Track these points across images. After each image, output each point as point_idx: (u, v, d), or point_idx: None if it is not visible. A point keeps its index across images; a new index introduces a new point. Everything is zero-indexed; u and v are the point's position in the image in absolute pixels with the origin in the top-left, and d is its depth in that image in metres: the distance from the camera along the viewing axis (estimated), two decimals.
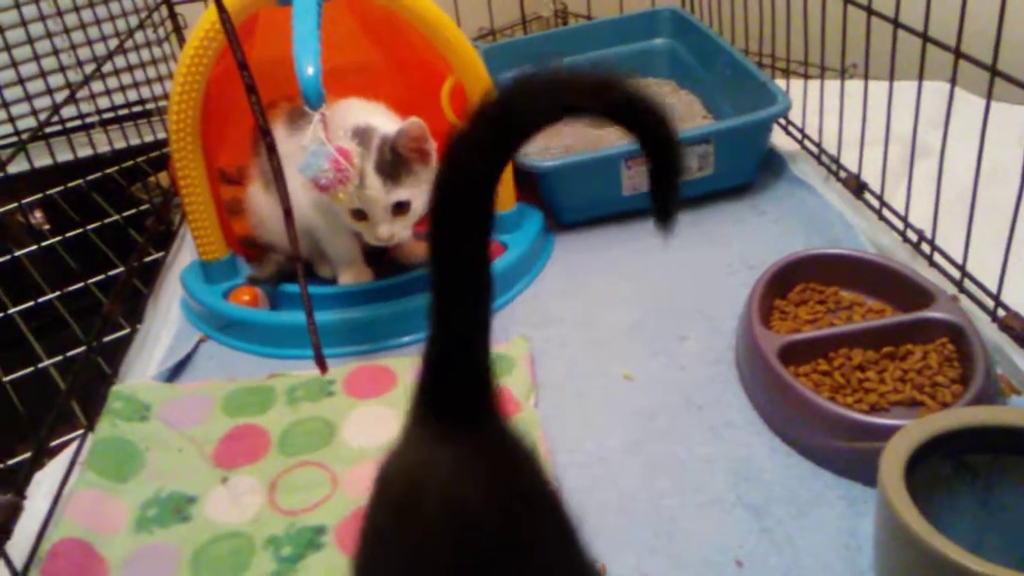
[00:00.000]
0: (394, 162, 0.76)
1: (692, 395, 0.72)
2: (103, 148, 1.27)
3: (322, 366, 0.76)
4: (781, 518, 0.60)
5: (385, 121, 0.80)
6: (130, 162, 1.30)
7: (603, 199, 0.95)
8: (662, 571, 0.58)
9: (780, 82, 1.00)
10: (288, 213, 0.71)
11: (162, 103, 1.29)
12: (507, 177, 0.90)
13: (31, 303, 1.05)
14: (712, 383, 0.73)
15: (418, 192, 0.77)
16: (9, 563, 0.60)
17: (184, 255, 1.04)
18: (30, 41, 1.09)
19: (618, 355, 0.77)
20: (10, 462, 0.77)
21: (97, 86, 1.23)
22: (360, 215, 0.77)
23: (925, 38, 0.71)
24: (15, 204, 1.23)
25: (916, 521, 0.47)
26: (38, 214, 1.34)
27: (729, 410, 0.70)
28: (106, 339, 0.92)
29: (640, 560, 0.58)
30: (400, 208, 0.77)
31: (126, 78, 1.28)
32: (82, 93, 1.14)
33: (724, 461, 0.65)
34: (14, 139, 1.20)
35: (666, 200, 0.36)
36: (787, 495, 0.61)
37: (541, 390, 0.74)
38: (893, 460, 0.52)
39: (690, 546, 0.59)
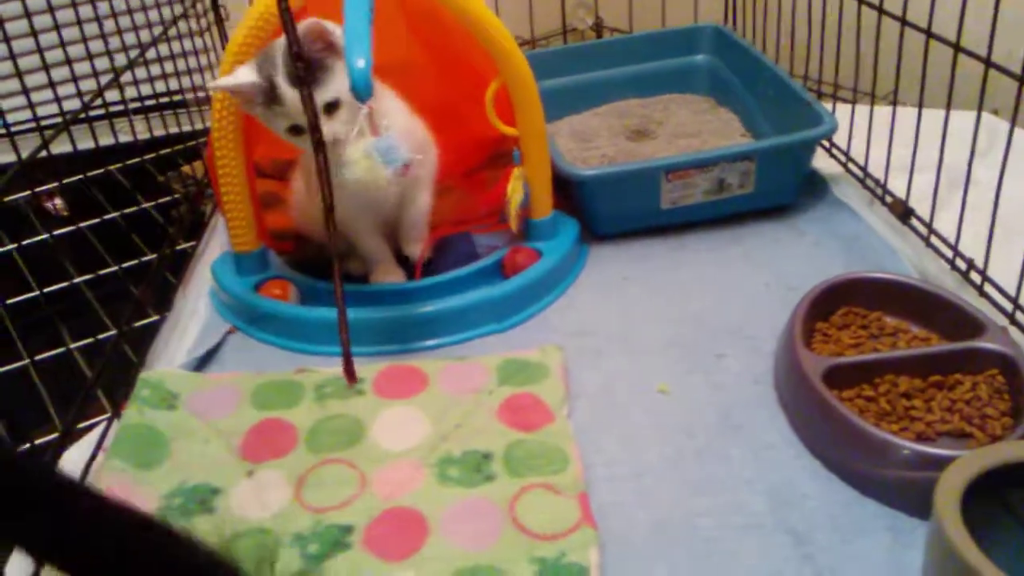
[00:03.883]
0: (306, 67, 0.71)
1: (731, 414, 0.70)
2: (136, 136, 1.27)
3: (351, 377, 0.75)
4: (824, 546, 0.58)
5: (400, 118, 0.78)
6: (163, 151, 1.30)
7: (641, 211, 0.93)
8: None
9: (824, 104, 0.99)
10: (330, 210, 0.70)
11: (200, 94, 1.28)
12: (545, 184, 0.89)
13: (61, 284, 1.05)
14: (751, 403, 0.71)
15: (341, 86, 0.73)
16: None
17: (214, 246, 1.03)
18: (79, 22, 1.09)
19: (654, 369, 0.76)
20: (37, 442, 0.76)
21: (140, 73, 1.23)
22: (296, 130, 0.74)
23: (988, 63, 0.69)
24: (43, 188, 1.23)
25: (980, 561, 0.45)
26: (58, 201, 1.34)
27: (769, 432, 0.68)
28: (134, 325, 0.91)
29: None
30: (332, 108, 0.73)
31: (164, 68, 1.27)
32: (125, 79, 1.13)
33: (764, 483, 0.63)
34: (56, 119, 1.19)
35: None
36: (830, 522, 0.60)
37: (574, 400, 0.73)
38: (949, 493, 0.50)
39: (728, 570, 0.57)
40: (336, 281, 0.71)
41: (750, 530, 0.60)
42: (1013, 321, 0.71)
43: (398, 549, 0.58)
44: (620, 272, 0.90)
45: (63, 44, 1.06)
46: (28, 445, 0.73)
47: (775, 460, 0.65)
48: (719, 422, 0.70)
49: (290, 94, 0.71)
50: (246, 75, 0.72)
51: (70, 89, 1.07)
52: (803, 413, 0.67)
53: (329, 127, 0.73)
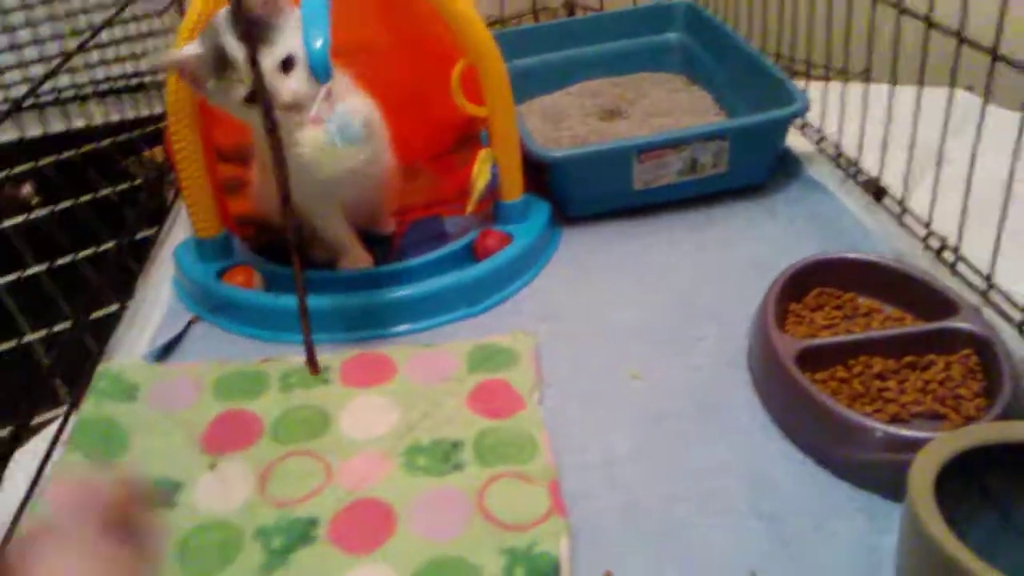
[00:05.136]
0: (254, 26, 0.67)
1: (704, 399, 0.69)
2: (97, 120, 1.24)
3: (314, 367, 0.73)
4: (798, 530, 0.57)
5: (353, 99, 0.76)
6: (124, 136, 1.26)
7: (613, 193, 0.92)
8: None
9: (797, 83, 0.98)
10: (286, 200, 0.67)
11: (159, 76, 1.25)
12: (514, 165, 0.87)
13: (16, 275, 1.02)
14: (725, 387, 0.70)
15: (293, 43, 0.69)
16: None
17: (177, 233, 1.00)
18: (25, 6, 1.05)
19: (627, 354, 0.75)
20: None
21: (92, 57, 1.20)
22: (254, 98, 0.69)
23: (960, 38, 0.68)
24: (3, 174, 1.19)
25: (953, 546, 0.45)
26: (27, 187, 1.30)
27: (743, 415, 0.67)
28: (94, 316, 0.89)
29: (649, 568, 0.56)
30: (287, 66, 0.70)
31: (123, 50, 1.24)
32: (77, 63, 1.10)
33: (737, 469, 0.62)
34: (5, 106, 1.16)
35: None
36: (804, 506, 0.59)
37: (546, 387, 0.72)
38: (923, 477, 0.49)
39: (702, 555, 0.56)
40: (296, 268, 0.69)
41: (723, 516, 0.59)
42: (987, 300, 0.71)
43: (364, 542, 0.57)
44: (593, 255, 0.89)
45: (8, 29, 1.02)
46: None
47: (749, 444, 0.65)
48: (693, 407, 0.69)
49: (241, 54, 0.68)
50: (190, 48, 0.70)
51: (16, 76, 1.04)
52: (776, 396, 0.66)
53: (287, 86, 0.70)
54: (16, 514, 0.61)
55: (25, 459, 0.70)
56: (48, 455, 0.69)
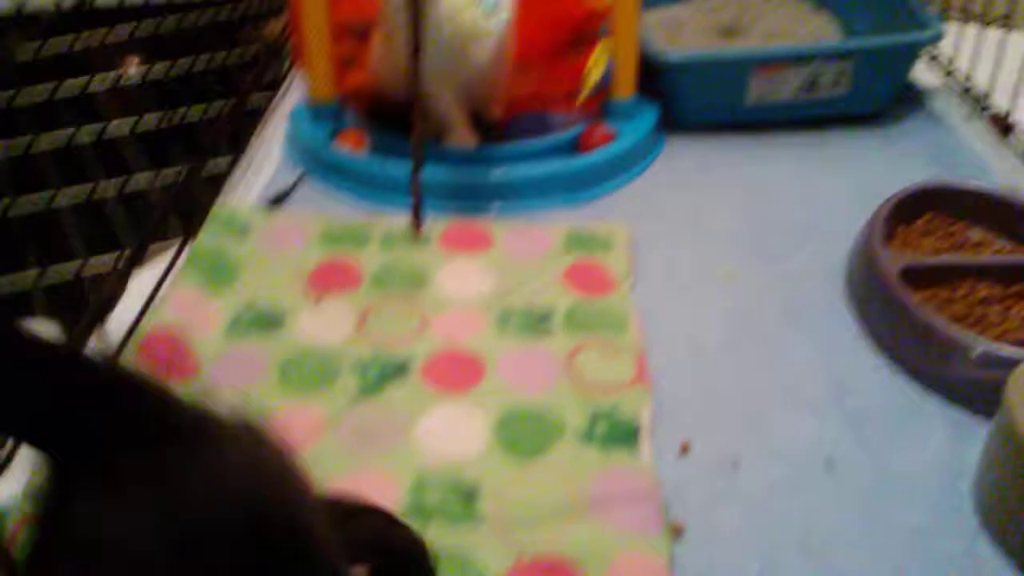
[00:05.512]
0: None
1: (796, 305, 0.69)
2: None
3: (418, 225, 0.75)
4: (879, 430, 0.58)
5: None
6: (240, 8, 1.29)
7: (725, 104, 0.90)
8: (748, 455, 0.56)
9: None
10: (416, 50, 0.69)
11: None
12: (630, 61, 0.86)
13: (138, 125, 1.06)
14: (818, 296, 0.70)
15: None
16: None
17: (290, 101, 1.03)
18: None
19: (722, 256, 0.75)
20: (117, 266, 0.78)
21: None
22: None
23: None
24: (104, 35, 1.23)
25: None
26: (134, 61, 1.34)
27: (834, 325, 0.67)
28: (208, 168, 0.93)
29: (727, 443, 0.57)
30: None
31: None
32: None
33: (823, 371, 0.63)
34: None
35: None
36: (887, 411, 0.59)
37: (639, 281, 0.72)
38: (1019, 386, 0.49)
39: (778, 440, 0.58)
40: (414, 125, 0.71)
41: (804, 408, 0.60)
42: None
43: (455, 383, 0.60)
44: (696, 164, 0.88)
45: None
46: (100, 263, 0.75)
47: (837, 351, 0.65)
48: (783, 311, 0.69)
49: None
50: None
51: None
52: (874, 309, 0.66)
53: None
54: (137, 318, 0.66)
55: (142, 281, 0.74)
56: (164, 276, 0.73)
